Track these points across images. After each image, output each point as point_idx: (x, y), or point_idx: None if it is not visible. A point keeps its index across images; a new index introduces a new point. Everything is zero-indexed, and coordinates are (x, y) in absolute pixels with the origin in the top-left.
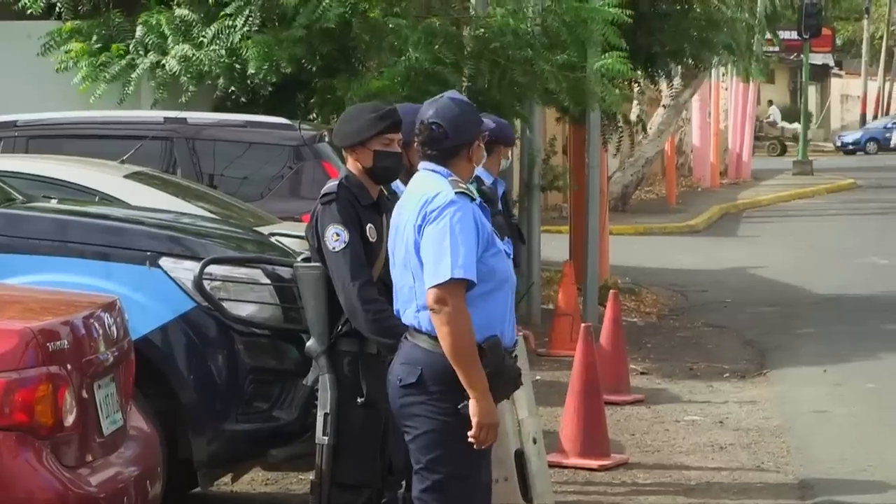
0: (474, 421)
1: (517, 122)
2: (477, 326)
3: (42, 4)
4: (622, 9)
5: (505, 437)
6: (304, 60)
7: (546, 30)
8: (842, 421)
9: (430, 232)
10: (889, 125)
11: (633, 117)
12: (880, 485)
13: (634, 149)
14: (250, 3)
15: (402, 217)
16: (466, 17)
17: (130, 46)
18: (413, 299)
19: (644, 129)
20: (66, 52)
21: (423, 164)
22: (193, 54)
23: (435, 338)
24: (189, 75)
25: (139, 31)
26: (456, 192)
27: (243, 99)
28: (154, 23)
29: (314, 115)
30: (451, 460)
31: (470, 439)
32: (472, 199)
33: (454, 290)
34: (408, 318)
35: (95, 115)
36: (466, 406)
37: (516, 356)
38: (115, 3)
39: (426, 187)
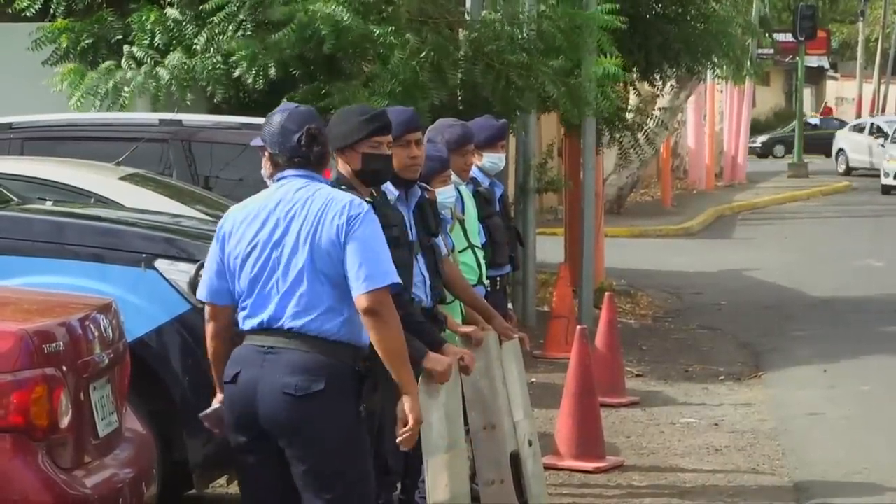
0: (411, 418)
1: (514, 126)
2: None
3: (37, 7)
4: (617, 15)
5: (501, 439)
6: (291, 66)
7: (541, 35)
8: (836, 423)
9: (360, 236)
10: None
11: (637, 118)
12: (875, 487)
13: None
14: (242, 9)
15: (300, 220)
16: (462, 21)
17: (122, 62)
18: (320, 304)
19: (643, 130)
20: (59, 76)
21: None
22: (185, 63)
23: (331, 343)
24: (184, 85)
25: (130, 48)
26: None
27: (247, 101)
28: (144, 20)
29: None
30: (357, 463)
31: (400, 437)
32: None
33: (388, 294)
34: (304, 323)
35: (90, 117)
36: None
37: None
38: (108, 2)
39: (330, 193)
